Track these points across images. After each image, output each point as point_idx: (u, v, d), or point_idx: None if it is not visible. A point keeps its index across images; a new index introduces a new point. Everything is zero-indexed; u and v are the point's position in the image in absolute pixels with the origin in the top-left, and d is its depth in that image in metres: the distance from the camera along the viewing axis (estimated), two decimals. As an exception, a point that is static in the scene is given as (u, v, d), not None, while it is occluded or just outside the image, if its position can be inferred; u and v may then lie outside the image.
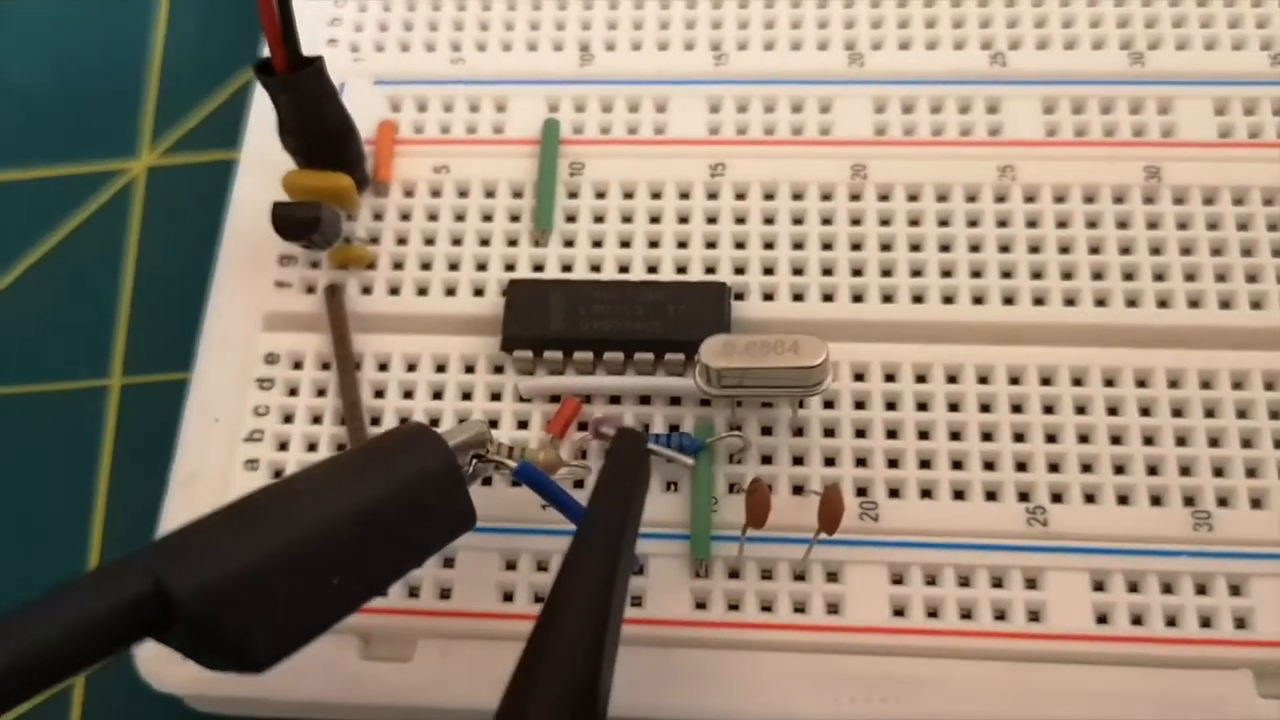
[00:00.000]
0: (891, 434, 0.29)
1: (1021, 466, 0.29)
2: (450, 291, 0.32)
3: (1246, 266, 0.31)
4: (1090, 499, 0.29)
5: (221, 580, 0.19)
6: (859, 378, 0.30)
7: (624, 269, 0.32)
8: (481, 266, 0.32)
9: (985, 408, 0.30)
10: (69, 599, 0.18)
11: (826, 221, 0.32)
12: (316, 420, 0.31)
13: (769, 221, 0.32)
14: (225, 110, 0.40)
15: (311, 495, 0.21)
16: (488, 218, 0.33)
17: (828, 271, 0.31)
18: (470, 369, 0.31)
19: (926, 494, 0.29)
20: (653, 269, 0.32)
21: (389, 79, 0.35)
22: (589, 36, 0.35)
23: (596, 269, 0.32)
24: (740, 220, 0.32)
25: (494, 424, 0.30)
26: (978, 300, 0.31)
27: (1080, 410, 0.29)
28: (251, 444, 0.30)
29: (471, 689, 0.27)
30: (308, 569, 0.20)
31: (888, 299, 0.31)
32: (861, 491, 0.29)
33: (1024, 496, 0.29)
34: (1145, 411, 0.29)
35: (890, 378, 0.30)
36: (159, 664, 0.28)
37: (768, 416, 0.30)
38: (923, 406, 0.30)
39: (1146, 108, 0.33)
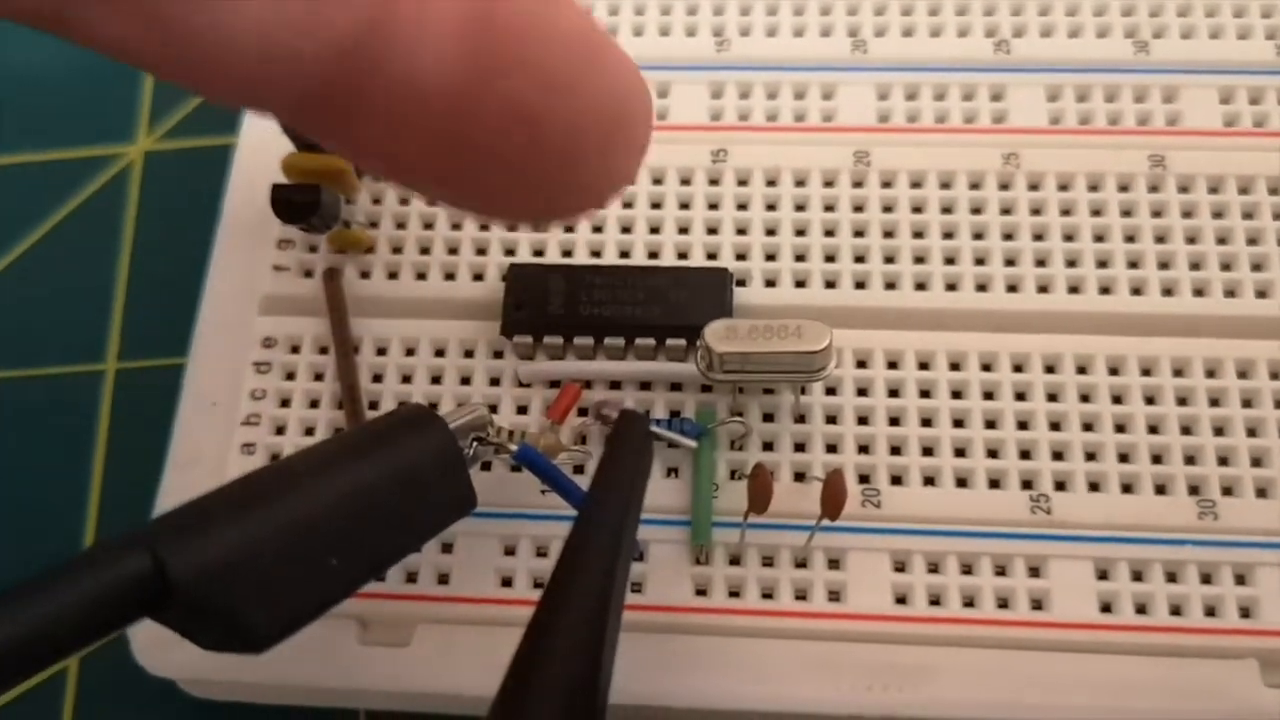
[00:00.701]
0: (894, 421, 0.29)
1: (1025, 454, 0.29)
2: (449, 276, 0.32)
3: (1252, 255, 0.31)
4: (1095, 487, 0.28)
5: (221, 558, 0.19)
6: (861, 364, 0.30)
7: (625, 254, 0.32)
8: (481, 251, 0.32)
9: (989, 395, 0.29)
10: (65, 576, 0.17)
11: (829, 208, 0.32)
12: (314, 404, 0.30)
13: (771, 208, 0.32)
14: (224, 94, 0.39)
15: (311, 475, 0.21)
16: (488, 202, 0.32)
17: (830, 258, 0.31)
18: (469, 353, 0.31)
19: (929, 481, 0.29)
20: (654, 254, 0.32)
21: (389, 63, 0.35)
22: (590, 22, 0.35)
23: (597, 254, 0.32)
24: (742, 206, 0.32)
25: (493, 409, 0.30)
26: (981, 287, 0.31)
27: (1085, 398, 0.29)
28: (248, 428, 0.30)
29: (470, 674, 0.27)
30: (307, 549, 0.20)
31: (891, 286, 0.31)
32: (864, 478, 0.29)
33: (1028, 484, 0.28)
34: (1150, 400, 0.29)
35: (893, 364, 0.30)
36: (155, 647, 0.27)
37: (769, 403, 0.29)
38: (926, 393, 0.29)
39: (1151, 96, 0.33)
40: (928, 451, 0.29)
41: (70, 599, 0.17)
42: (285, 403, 0.30)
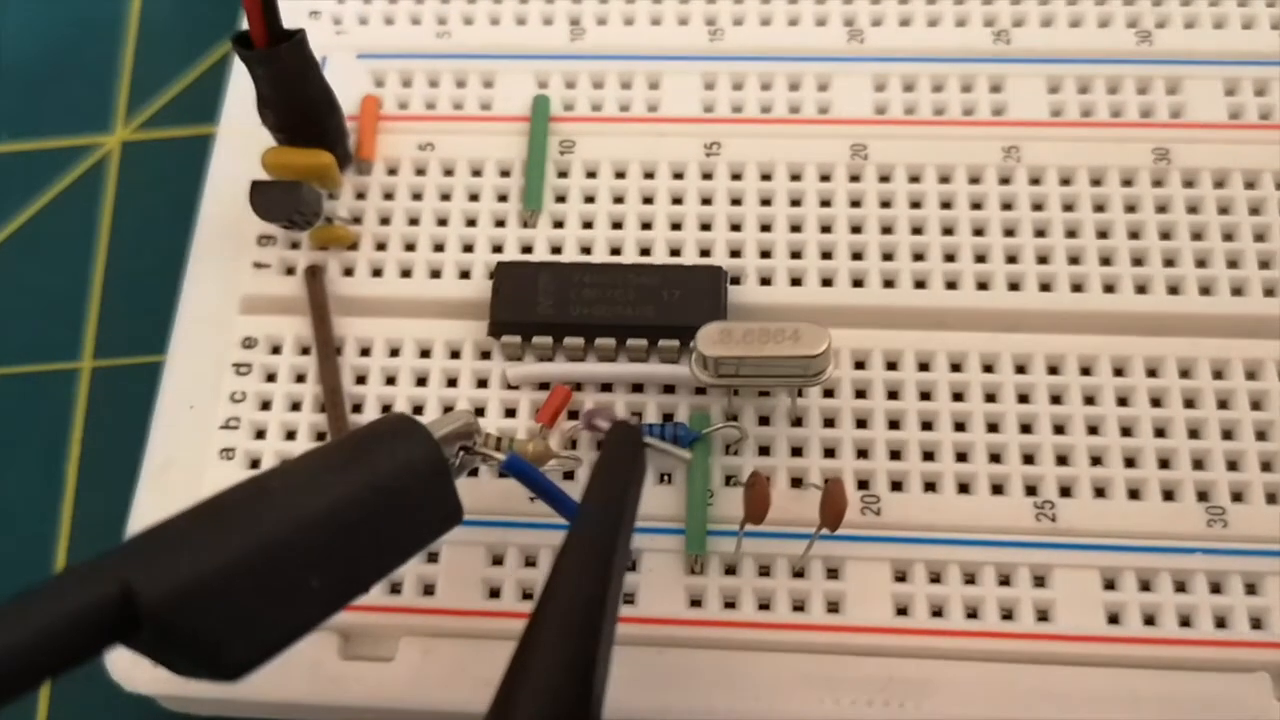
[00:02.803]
0: (894, 424, 0.29)
1: (1029, 459, 0.28)
2: (435, 274, 0.31)
3: (1259, 252, 0.30)
4: (1100, 493, 0.28)
5: (192, 584, 0.18)
6: (860, 365, 0.29)
7: (616, 251, 0.31)
8: (468, 248, 0.31)
9: (990, 397, 0.29)
10: (31, 605, 0.17)
11: (825, 203, 0.31)
12: (295, 407, 0.30)
13: (766, 203, 0.31)
14: (203, 83, 0.39)
15: (288, 492, 0.20)
16: (474, 197, 0.32)
17: (827, 255, 0.31)
18: (456, 354, 0.30)
19: (930, 487, 0.28)
20: (645, 251, 0.31)
21: (373, 53, 0.34)
22: (580, 10, 0.34)
23: (587, 251, 0.31)
24: (736, 201, 0.31)
25: (480, 412, 0.29)
26: (982, 285, 0.30)
27: (1089, 400, 0.29)
28: (227, 432, 0.29)
29: (456, 690, 0.26)
30: (285, 571, 0.19)
31: (889, 284, 0.30)
32: (863, 484, 0.28)
33: (1031, 490, 0.28)
34: (1156, 402, 0.29)
35: (892, 365, 0.29)
36: (129, 664, 0.27)
37: (765, 406, 0.29)
38: (926, 396, 0.29)
39: (1154, 88, 0.32)
40: (928, 456, 0.28)
41: (36, 629, 0.16)
42: (266, 405, 0.30)
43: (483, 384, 0.30)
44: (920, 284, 0.30)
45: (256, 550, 0.19)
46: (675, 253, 0.31)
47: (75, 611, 0.17)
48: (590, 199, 0.32)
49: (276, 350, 0.30)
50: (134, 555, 0.18)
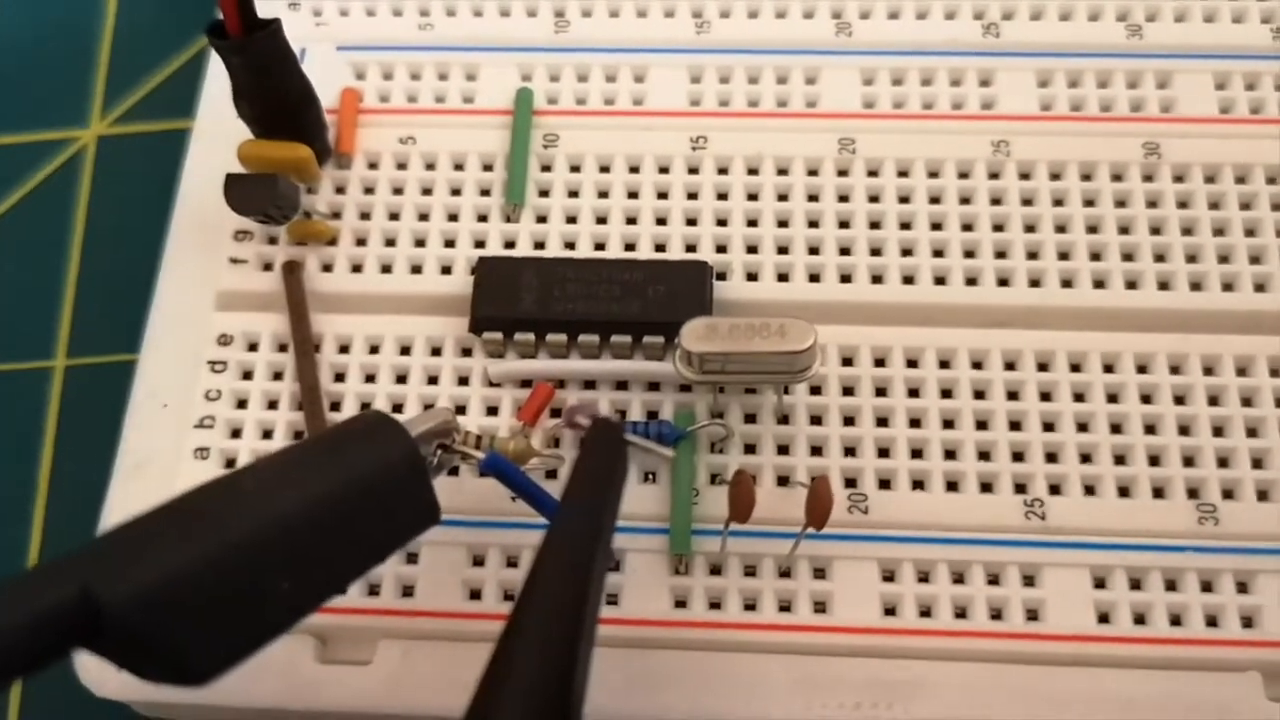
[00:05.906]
0: (882, 421, 0.28)
1: (1018, 456, 0.28)
2: (416, 269, 0.30)
3: (1250, 247, 0.30)
4: (1090, 491, 0.27)
5: (156, 587, 0.17)
6: (847, 362, 0.29)
7: (600, 247, 0.30)
8: (449, 243, 0.31)
9: (980, 394, 0.28)
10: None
11: (813, 198, 0.31)
12: (272, 406, 0.29)
13: (753, 197, 0.31)
14: (180, 76, 0.38)
15: (260, 491, 0.20)
16: (456, 192, 0.31)
17: (814, 250, 0.30)
18: (437, 351, 0.30)
19: (918, 485, 0.28)
20: (630, 247, 0.30)
21: (353, 45, 0.34)
22: (564, 2, 0.34)
23: (571, 246, 0.30)
24: (722, 196, 0.31)
25: (461, 410, 0.29)
26: (971, 281, 0.30)
27: (1079, 397, 0.28)
28: (202, 431, 0.29)
29: (435, 694, 0.26)
30: (254, 573, 0.19)
31: (877, 279, 0.30)
32: (850, 482, 0.28)
33: (1021, 488, 0.27)
34: (1146, 399, 0.28)
35: (880, 362, 0.29)
36: (100, 668, 0.26)
37: (751, 403, 0.28)
38: (914, 393, 0.28)
39: (1145, 82, 0.32)
40: (916, 454, 0.28)
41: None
42: (242, 404, 0.29)
43: (464, 381, 0.29)
44: (908, 279, 0.30)
45: (224, 551, 0.18)
46: (660, 248, 0.30)
47: (31, 615, 0.16)
48: (574, 193, 0.31)
49: (253, 347, 0.30)
50: (95, 557, 0.17)
